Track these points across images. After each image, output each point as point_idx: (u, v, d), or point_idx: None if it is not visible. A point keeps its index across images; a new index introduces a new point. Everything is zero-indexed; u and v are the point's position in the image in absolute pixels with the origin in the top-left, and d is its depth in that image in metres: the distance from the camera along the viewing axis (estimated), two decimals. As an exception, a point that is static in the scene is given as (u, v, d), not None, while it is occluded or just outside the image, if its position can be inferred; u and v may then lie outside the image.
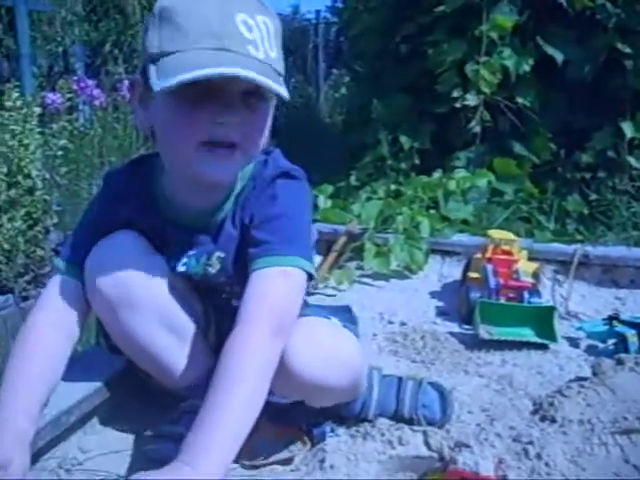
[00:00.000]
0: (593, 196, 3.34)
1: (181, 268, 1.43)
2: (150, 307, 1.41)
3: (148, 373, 1.51)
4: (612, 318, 2.17)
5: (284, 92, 1.24)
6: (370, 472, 1.42)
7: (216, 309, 1.53)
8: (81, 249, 1.43)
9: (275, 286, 1.28)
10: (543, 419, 1.63)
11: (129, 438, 1.54)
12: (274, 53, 1.25)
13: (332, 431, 1.54)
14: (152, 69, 1.22)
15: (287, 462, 1.49)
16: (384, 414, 1.58)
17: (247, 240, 1.36)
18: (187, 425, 1.42)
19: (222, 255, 1.41)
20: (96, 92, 3.10)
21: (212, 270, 1.42)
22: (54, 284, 1.43)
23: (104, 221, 1.45)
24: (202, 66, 1.16)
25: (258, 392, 1.20)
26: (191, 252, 1.42)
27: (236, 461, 1.47)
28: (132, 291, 1.39)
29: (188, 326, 1.47)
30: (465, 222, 3.01)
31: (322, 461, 1.45)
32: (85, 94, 3.09)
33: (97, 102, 3.10)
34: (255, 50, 1.21)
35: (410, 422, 1.57)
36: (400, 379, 1.63)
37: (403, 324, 2.19)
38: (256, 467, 1.46)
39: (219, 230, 1.42)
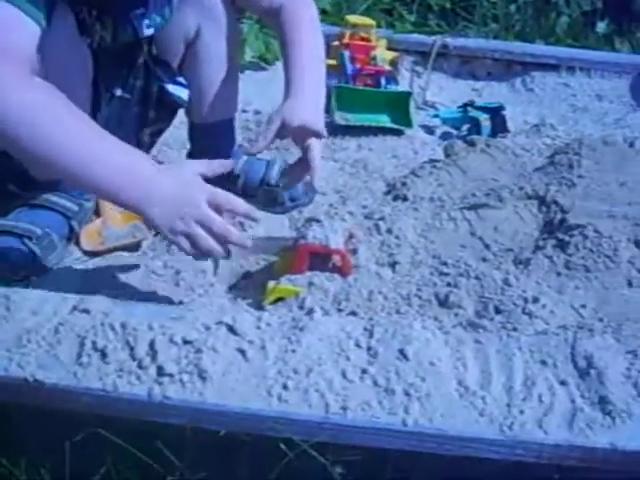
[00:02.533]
0: (456, -10, 3.25)
1: (148, 31, 1.42)
2: None
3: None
4: (467, 105, 2.17)
5: None
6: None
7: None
8: None
9: None
10: (395, 198, 1.64)
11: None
12: None
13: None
14: None
15: (133, 248, 1.43)
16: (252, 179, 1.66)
17: None
18: (30, 220, 1.33)
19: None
20: None
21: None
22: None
23: None
24: None
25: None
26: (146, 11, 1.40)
27: (79, 251, 1.41)
28: None
29: None
30: (324, 12, 2.87)
31: (170, 244, 1.40)
32: None
33: None
34: None
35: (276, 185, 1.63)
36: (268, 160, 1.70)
37: (257, 112, 2.10)
38: (98, 254, 1.39)
39: None
